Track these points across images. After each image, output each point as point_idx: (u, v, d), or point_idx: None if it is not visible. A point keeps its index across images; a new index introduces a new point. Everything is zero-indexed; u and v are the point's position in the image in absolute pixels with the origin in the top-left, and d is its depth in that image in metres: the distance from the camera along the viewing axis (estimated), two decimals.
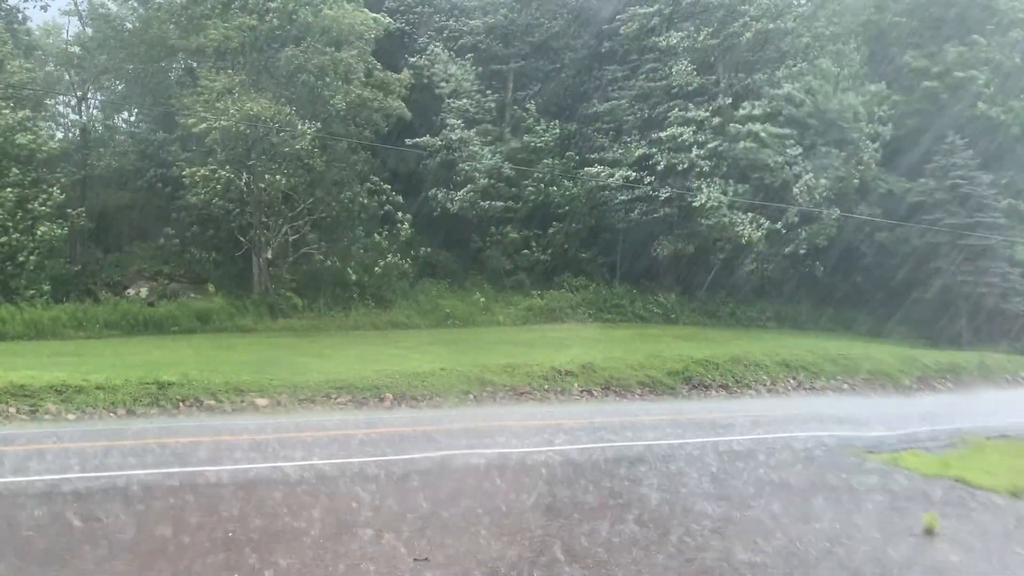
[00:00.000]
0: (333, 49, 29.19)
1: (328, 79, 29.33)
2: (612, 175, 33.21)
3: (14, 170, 26.58)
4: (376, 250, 31.12)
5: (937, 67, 36.25)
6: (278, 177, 28.10)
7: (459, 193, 33.16)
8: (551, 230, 35.39)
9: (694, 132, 32.84)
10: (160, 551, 8.57)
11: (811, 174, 32.39)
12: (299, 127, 27.66)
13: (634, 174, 33.17)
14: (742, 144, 32.13)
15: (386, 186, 31.92)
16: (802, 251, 33.02)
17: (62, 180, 27.80)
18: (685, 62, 33.82)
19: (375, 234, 31.18)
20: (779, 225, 32.24)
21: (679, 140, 32.85)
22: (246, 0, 28.94)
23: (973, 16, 37.46)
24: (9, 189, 26.22)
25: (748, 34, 33.57)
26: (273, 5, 28.81)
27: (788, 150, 32.48)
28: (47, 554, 8.36)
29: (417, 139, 33.32)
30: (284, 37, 29.52)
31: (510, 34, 37.47)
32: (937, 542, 9.74)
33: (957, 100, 35.83)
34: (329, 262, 29.92)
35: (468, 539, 9.11)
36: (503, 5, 37.32)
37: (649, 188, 32.94)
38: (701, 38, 33.71)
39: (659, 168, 33.10)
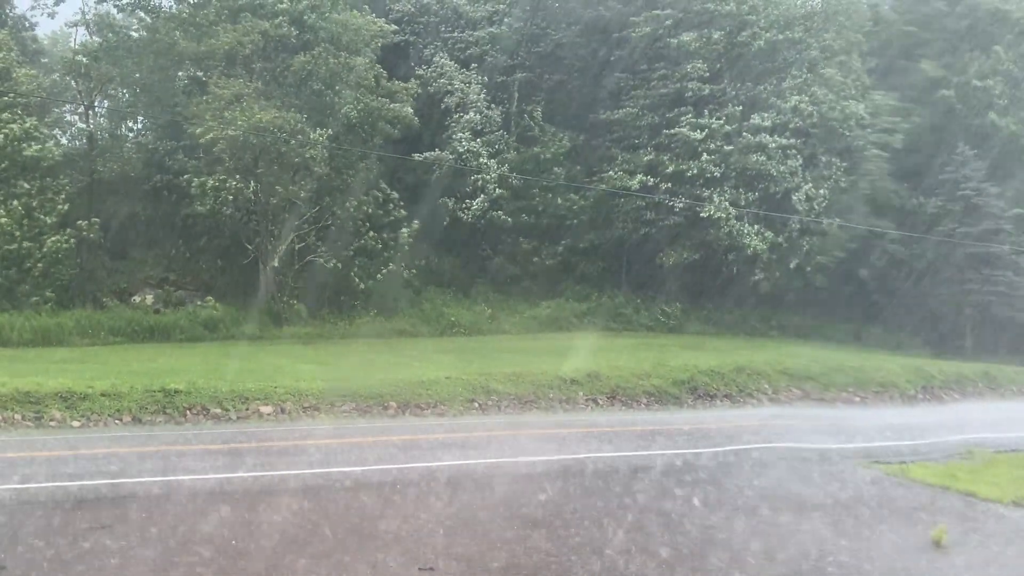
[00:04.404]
0: (345, 55, 29.27)
1: (338, 87, 29.41)
2: (632, 179, 33.16)
3: (22, 183, 26.68)
4: (380, 258, 31.16)
5: (956, 77, 36.34)
6: (291, 187, 28.18)
7: (473, 204, 33.15)
8: (559, 241, 35.39)
9: (703, 138, 32.83)
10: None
11: (810, 184, 32.48)
12: (311, 136, 27.70)
13: (651, 180, 33.20)
14: (753, 157, 32.20)
15: (393, 194, 31.94)
16: (808, 268, 33.10)
17: (68, 188, 27.91)
18: (698, 62, 33.85)
19: (378, 242, 31.22)
20: (781, 239, 32.30)
21: (689, 140, 32.83)
22: (255, 4, 29.06)
23: (983, 27, 37.59)
24: (16, 201, 26.31)
25: (759, 43, 33.62)
26: (282, 6, 28.90)
27: (789, 160, 32.55)
28: None
29: (426, 152, 33.21)
30: (294, 45, 29.64)
31: (516, 44, 37.52)
32: (945, 555, 9.66)
33: (969, 110, 35.92)
34: (334, 270, 29.93)
35: None
36: (508, 15, 37.39)
37: (665, 195, 32.94)
38: (716, 37, 33.77)
39: (667, 172, 33.09)
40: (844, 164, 33.95)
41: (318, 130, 28.13)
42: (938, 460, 15.17)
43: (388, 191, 31.94)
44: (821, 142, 34.14)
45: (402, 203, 32.09)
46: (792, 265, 32.94)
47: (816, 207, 32.50)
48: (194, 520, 9.60)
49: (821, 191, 32.68)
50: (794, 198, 32.39)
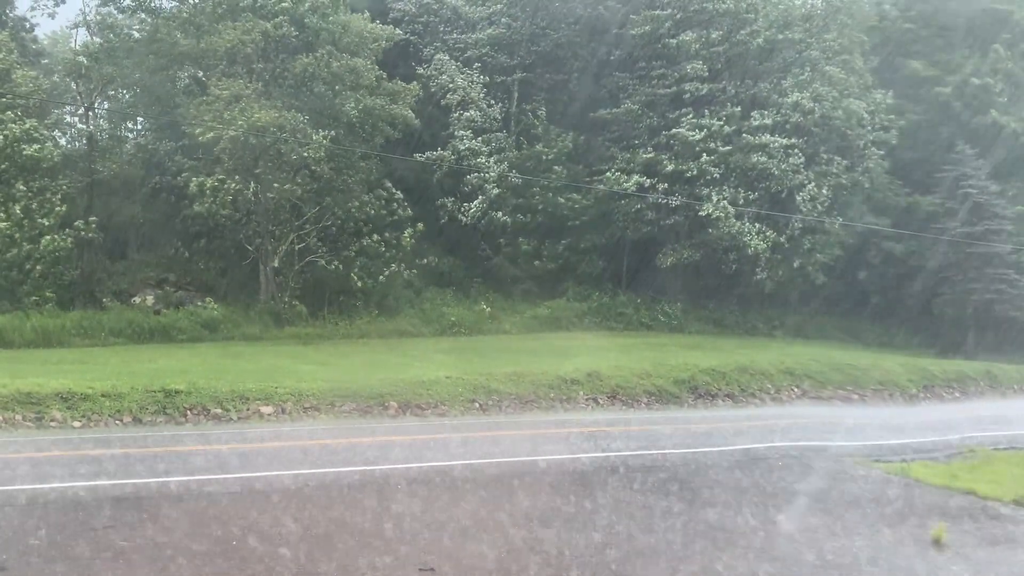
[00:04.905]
0: (348, 57, 29.21)
1: (339, 87, 29.35)
2: (628, 179, 33.09)
3: (20, 185, 26.63)
4: (381, 259, 31.09)
5: (951, 76, 36.29)
6: (288, 187, 28.11)
7: (472, 205, 33.09)
8: (560, 240, 35.32)
9: (703, 138, 32.76)
10: None
11: (813, 183, 32.47)
12: (313, 137, 27.62)
13: (648, 181, 33.13)
14: (755, 158, 32.16)
15: (397, 194, 31.85)
16: (810, 267, 33.08)
17: (65, 188, 27.84)
18: (697, 62, 33.81)
19: (380, 243, 31.15)
20: (783, 238, 32.27)
21: (689, 140, 32.76)
22: (256, 3, 29.01)
23: (984, 26, 37.56)
24: (15, 204, 26.24)
25: (758, 41, 33.60)
26: (283, 6, 28.85)
27: (791, 159, 32.52)
28: None
29: (427, 152, 33.10)
30: (294, 46, 29.57)
31: (515, 44, 37.43)
32: (946, 554, 9.64)
33: (968, 108, 35.86)
34: (335, 271, 29.87)
35: None
36: (507, 15, 37.33)
37: (661, 195, 32.88)
38: (713, 36, 33.75)
39: (667, 171, 33.00)
40: (845, 162, 33.91)
41: (320, 132, 28.06)
42: (939, 459, 15.17)
43: (393, 191, 31.82)
44: (823, 141, 34.11)
45: (406, 203, 32.00)
46: (796, 264, 32.90)
47: (819, 207, 32.45)
48: (188, 517, 9.63)
49: (824, 190, 32.64)
50: (798, 197, 32.33)
